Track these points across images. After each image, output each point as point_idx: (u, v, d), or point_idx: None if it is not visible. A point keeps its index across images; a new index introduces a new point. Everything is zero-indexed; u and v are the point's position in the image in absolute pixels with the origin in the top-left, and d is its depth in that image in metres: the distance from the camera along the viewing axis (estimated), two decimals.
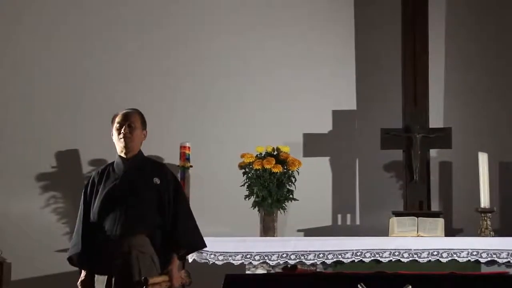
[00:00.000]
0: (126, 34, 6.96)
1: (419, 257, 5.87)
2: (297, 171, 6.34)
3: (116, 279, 4.59)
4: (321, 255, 5.94)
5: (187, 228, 4.72)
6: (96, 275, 4.72)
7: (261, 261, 6.00)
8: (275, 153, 6.36)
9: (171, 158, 6.66)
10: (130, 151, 4.77)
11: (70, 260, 4.81)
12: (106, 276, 4.64)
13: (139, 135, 4.78)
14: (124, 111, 4.84)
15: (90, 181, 4.84)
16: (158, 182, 4.72)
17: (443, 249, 5.88)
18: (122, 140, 4.73)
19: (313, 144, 6.81)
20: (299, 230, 6.69)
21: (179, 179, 6.46)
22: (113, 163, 4.86)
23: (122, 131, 4.73)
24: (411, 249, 5.89)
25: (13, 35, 7.01)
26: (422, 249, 5.89)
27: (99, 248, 4.64)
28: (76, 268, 4.93)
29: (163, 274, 4.68)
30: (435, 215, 6.23)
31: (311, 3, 6.89)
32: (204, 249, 5.96)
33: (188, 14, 6.98)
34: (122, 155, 4.79)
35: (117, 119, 4.83)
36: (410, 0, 6.50)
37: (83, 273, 4.79)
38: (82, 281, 4.77)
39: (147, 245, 4.64)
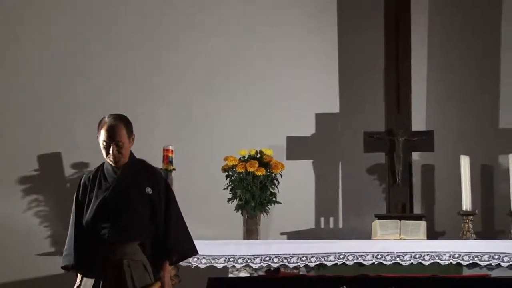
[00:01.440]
0: (111, 37, 6.95)
1: (402, 260, 5.89)
2: (280, 174, 6.34)
3: (105, 284, 4.56)
4: (304, 258, 5.94)
5: (179, 235, 4.70)
6: (84, 279, 4.67)
7: (244, 264, 5.99)
8: (258, 156, 6.35)
9: (154, 160, 6.59)
10: (121, 163, 4.71)
11: (65, 268, 4.76)
12: (93, 280, 4.61)
13: (127, 147, 4.68)
14: (109, 124, 4.64)
15: (81, 187, 4.73)
16: (151, 192, 4.66)
17: (425, 251, 5.90)
18: (112, 159, 4.66)
19: (296, 147, 6.81)
20: (282, 233, 6.69)
21: None
22: (103, 167, 4.75)
23: (111, 151, 4.64)
24: (393, 252, 5.91)
25: None
26: (405, 252, 5.90)
27: (92, 256, 4.61)
28: (58, 272, 4.89)
29: (155, 281, 4.65)
30: (418, 218, 6.25)
31: (295, 8, 6.89)
32: None
33: (173, 19, 6.97)
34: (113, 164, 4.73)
35: (103, 136, 4.65)
36: (393, 4, 6.52)
37: (79, 277, 4.75)
38: (78, 287, 4.74)
39: (138, 252, 4.62)
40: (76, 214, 4.71)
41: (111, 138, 4.62)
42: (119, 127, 4.63)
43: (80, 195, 4.71)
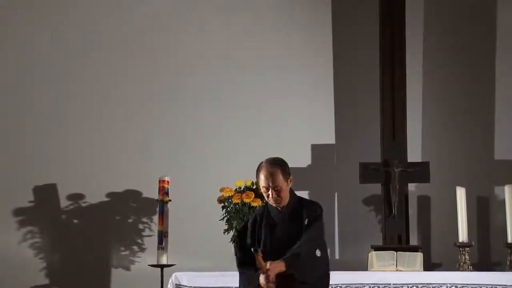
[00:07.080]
0: (104, 66, 6.96)
1: None
2: None
3: None
4: None
5: (306, 246, 4.81)
6: None
7: None
8: (254, 187, 6.35)
9: (150, 192, 6.63)
10: (282, 205, 4.89)
11: None
12: None
13: (285, 189, 4.87)
14: (266, 171, 4.82)
15: (251, 225, 4.91)
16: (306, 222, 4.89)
17: (422, 283, 5.89)
18: (272, 202, 4.88)
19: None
20: None
21: (158, 213, 6.46)
22: (267, 206, 4.91)
23: (270, 195, 4.85)
24: (390, 284, 5.89)
25: None
26: (402, 284, 5.89)
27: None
28: None
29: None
30: (414, 249, 6.24)
31: (289, 39, 6.92)
32: (183, 283, 5.95)
33: (167, 47, 6.99)
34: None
35: (262, 182, 4.84)
36: (388, 34, 6.56)
37: None
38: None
39: None
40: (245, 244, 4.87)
41: (270, 184, 4.82)
42: (276, 173, 4.83)
43: (250, 233, 4.88)
